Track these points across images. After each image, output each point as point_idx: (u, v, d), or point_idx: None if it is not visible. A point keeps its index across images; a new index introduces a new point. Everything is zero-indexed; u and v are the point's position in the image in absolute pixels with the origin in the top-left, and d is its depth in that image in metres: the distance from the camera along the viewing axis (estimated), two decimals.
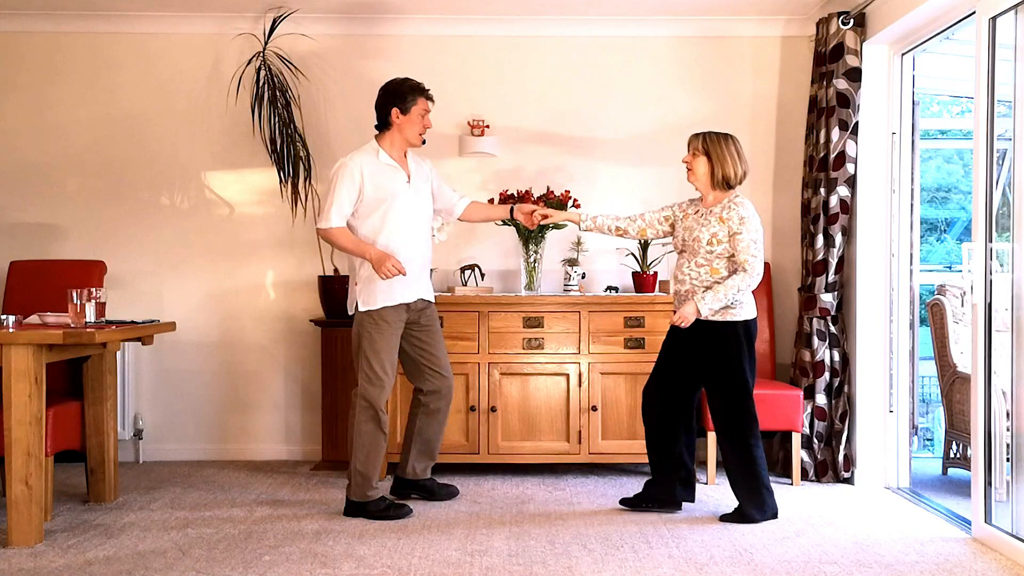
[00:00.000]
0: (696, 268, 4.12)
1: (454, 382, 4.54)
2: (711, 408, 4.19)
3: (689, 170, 4.22)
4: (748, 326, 4.12)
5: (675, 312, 4.15)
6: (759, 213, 5.49)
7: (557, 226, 5.07)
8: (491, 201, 5.14)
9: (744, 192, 5.48)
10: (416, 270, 4.27)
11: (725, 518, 4.16)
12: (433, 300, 4.44)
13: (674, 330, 4.23)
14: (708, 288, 4.09)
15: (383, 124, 4.29)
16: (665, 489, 4.29)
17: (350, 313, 4.29)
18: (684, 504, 4.34)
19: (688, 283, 4.14)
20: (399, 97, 4.25)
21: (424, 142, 4.37)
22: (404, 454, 4.50)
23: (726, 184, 4.16)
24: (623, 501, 4.38)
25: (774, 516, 4.17)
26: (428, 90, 4.32)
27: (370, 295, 4.21)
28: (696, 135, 4.23)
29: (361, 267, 4.23)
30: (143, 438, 5.47)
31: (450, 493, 4.53)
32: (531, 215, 4.48)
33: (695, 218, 4.19)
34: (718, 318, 4.09)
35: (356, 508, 4.21)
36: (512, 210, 4.53)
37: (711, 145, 4.15)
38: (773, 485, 4.86)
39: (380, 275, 4.10)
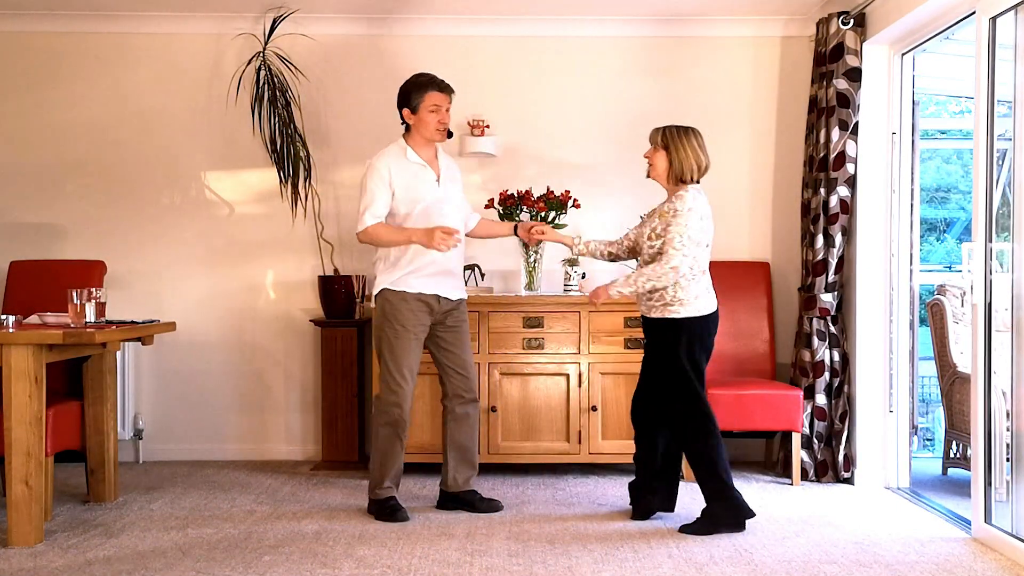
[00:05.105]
0: (644, 265, 4.08)
1: (477, 385, 4.38)
2: (662, 410, 4.05)
3: (650, 165, 4.11)
4: (691, 325, 3.98)
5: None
6: (761, 212, 5.52)
7: (557, 227, 5.06)
8: (491, 201, 5.15)
9: (745, 192, 5.49)
10: (443, 271, 4.20)
11: (687, 529, 3.97)
12: (463, 298, 4.32)
13: (644, 330, 4.18)
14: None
15: (405, 124, 4.25)
16: (637, 496, 4.23)
17: (373, 299, 4.21)
18: (664, 513, 4.22)
19: None
20: (406, 97, 4.19)
21: (450, 135, 4.23)
22: (444, 464, 4.33)
23: (684, 178, 4.03)
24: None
25: (748, 517, 3.98)
26: (440, 81, 4.19)
27: (394, 277, 4.16)
28: (657, 129, 4.10)
29: (391, 250, 4.17)
30: (143, 438, 5.47)
31: (493, 507, 4.30)
32: (530, 231, 4.38)
33: (652, 215, 4.13)
34: (657, 315, 4.01)
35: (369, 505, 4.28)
36: (516, 228, 4.44)
37: (671, 139, 4.03)
38: (773, 485, 4.87)
39: (439, 249, 4.02)
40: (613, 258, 4.32)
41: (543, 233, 4.39)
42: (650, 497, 4.19)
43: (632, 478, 4.27)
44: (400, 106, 4.22)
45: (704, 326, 4.01)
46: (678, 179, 4.04)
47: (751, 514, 3.99)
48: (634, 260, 4.37)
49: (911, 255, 4.97)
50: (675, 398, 4.00)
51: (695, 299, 3.99)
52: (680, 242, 3.92)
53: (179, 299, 5.50)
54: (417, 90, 4.17)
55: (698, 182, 4.06)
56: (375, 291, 4.23)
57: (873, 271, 4.94)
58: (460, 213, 4.33)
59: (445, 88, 4.21)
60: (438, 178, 4.22)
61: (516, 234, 4.48)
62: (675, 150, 4.02)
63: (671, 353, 3.99)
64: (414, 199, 4.14)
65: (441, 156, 4.30)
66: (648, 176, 4.15)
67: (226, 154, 5.51)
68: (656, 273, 3.92)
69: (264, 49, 5.29)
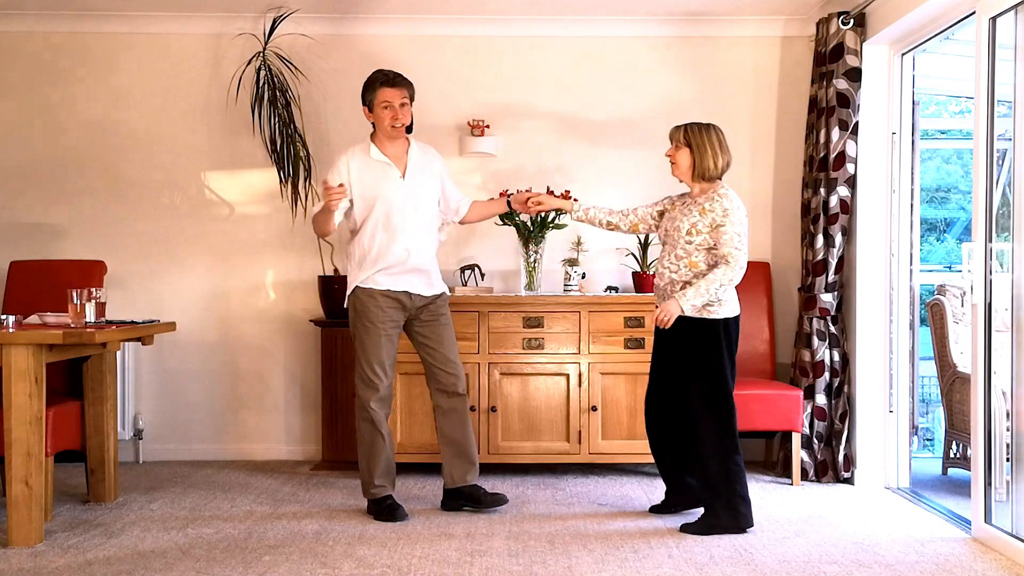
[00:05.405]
0: (675, 261, 4.00)
1: (465, 379, 4.34)
2: (687, 409, 4.01)
3: (673, 163, 4.09)
4: (728, 325, 3.97)
5: (656, 308, 4.01)
6: (761, 212, 5.52)
7: (557, 227, 5.08)
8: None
9: (745, 192, 5.49)
10: (411, 269, 4.20)
11: (687, 528, 3.98)
12: (438, 293, 4.29)
13: (659, 329, 4.12)
14: (689, 284, 3.95)
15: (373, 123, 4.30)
16: (675, 492, 4.24)
17: (347, 299, 4.26)
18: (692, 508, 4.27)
19: (667, 276, 4.02)
20: (363, 96, 4.24)
21: (409, 130, 4.23)
22: (443, 462, 4.33)
23: (709, 175, 4.02)
24: (652, 509, 4.31)
25: (748, 527, 3.96)
26: (392, 77, 4.18)
27: (363, 276, 4.19)
28: (677, 127, 4.09)
29: (355, 249, 4.23)
30: (143, 438, 5.47)
31: (498, 500, 4.28)
32: (526, 203, 4.38)
33: (680, 209, 4.07)
34: (695, 315, 3.95)
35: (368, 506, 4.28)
36: (509, 202, 4.46)
37: (692, 136, 4.02)
38: (773, 485, 4.87)
39: (331, 206, 4.07)
40: (611, 227, 4.30)
41: (540, 203, 4.37)
42: (686, 491, 4.21)
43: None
44: (363, 107, 4.26)
45: (736, 326, 4.02)
46: (702, 176, 4.04)
47: (751, 524, 3.98)
48: (630, 236, 4.58)
49: (911, 255, 4.97)
50: (706, 401, 3.96)
51: (730, 298, 4.00)
52: (740, 241, 3.92)
53: (179, 299, 5.50)
54: (370, 88, 4.20)
55: (720, 178, 4.06)
56: (348, 291, 4.26)
57: (873, 271, 4.94)
58: (431, 209, 4.29)
59: (397, 83, 4.18)
60: (403, 174, 4.21)
61: (510, 208, 4.46)
62: (697, 147, 4.02)
63: (708, 354, 3.96)
64: (372, 197, 4.15)
65: (414, 150, 4.26)
66: (676, 176, 4.12)
67: (226, 154, 5.51)
68: (728, 276, 3.89)
69: (264, 49, 5.29)
